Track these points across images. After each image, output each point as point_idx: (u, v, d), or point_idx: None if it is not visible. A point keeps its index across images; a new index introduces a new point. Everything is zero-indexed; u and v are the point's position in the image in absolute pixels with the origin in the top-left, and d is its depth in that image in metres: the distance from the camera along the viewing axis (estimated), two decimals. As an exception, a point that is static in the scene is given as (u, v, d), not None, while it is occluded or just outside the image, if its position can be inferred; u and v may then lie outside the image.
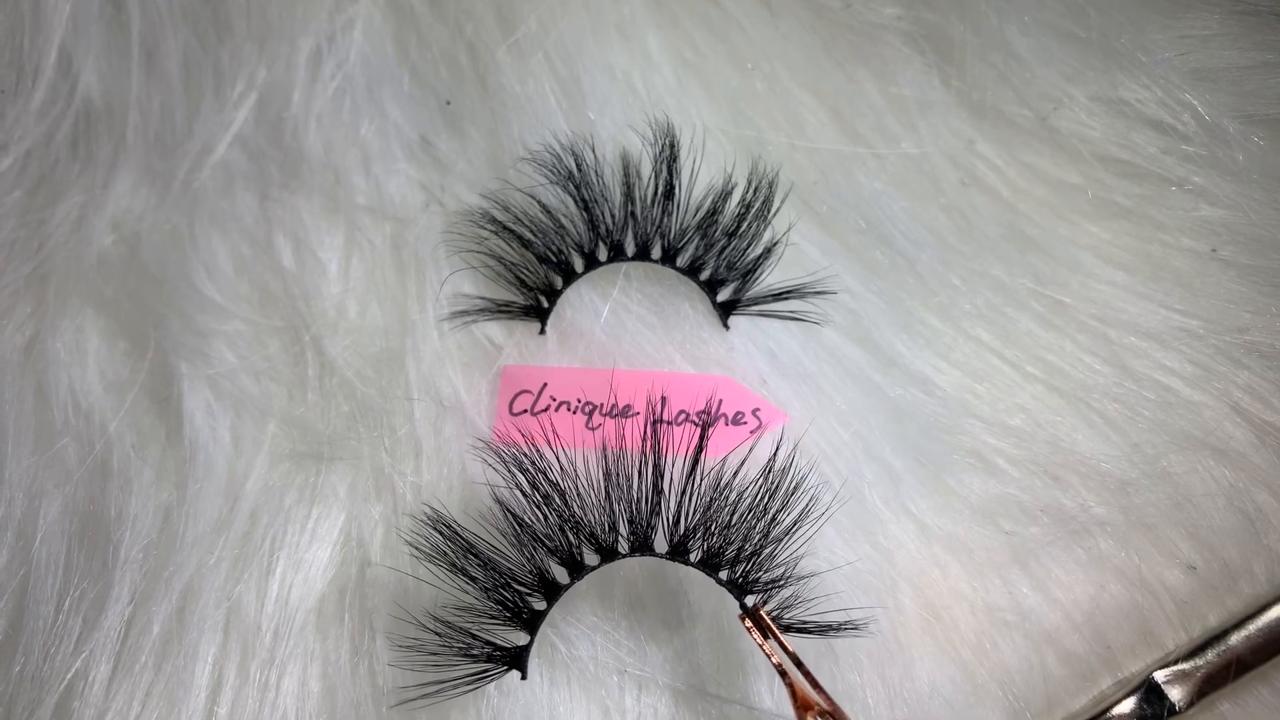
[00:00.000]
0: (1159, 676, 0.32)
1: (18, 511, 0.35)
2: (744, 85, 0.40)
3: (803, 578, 0.31)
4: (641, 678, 0.33)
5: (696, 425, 0.36)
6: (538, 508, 0.31)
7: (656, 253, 0.37)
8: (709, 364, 0.36)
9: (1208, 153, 0.37)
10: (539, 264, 0.37)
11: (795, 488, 0.31)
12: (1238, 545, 0.34)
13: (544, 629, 0.32)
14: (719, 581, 0.31)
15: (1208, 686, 0.31)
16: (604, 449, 0.32)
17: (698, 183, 0.38)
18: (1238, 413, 0.35)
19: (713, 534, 0.31)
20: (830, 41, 0.40)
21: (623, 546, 0.31)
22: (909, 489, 0.35)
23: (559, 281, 0.37)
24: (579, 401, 0.36)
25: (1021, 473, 0.35)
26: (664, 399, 0.36)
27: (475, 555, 0.31)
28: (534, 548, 0.31)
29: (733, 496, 0.31)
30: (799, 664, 0.29)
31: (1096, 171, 0.38)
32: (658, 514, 0.31)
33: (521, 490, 0.31)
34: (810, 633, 0.31)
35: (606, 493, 0.31)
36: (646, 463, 0.31)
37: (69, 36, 0.41)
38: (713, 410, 0.36)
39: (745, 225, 0.37)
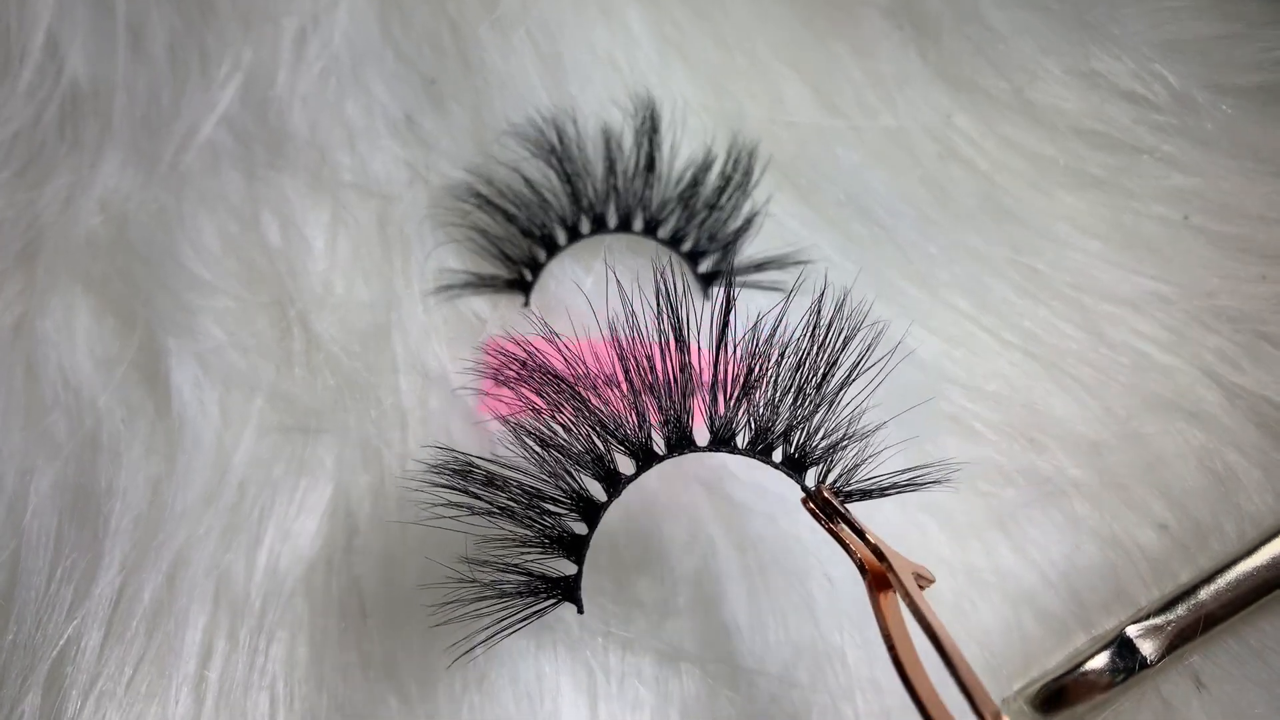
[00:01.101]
0: (1131, 631, 0.32)
1: (9, 485, 0.35)
2: (724, 60, 0.40)
3: (866, 434, 0.28)
4: (626, 639, 0.33)
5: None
6: (554, 417, 0.27)
7: (638, 225, 0.37)
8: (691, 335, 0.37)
9: (1178, 122, 0.38)
10: (522, 238, 0.38)
11: (846, 336, 0.27)
12: (1208, 504, 0.35)
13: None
14: (773, 465, 0.28)
15: (1178, 640, 0.32)
16: (614, 338, 0.28)
17: (679, 156, 0.38)
18: (1208, 376, 0.36)
19: (758, 408, 0.27)
20: (809, 16, 0.40)
21: (659, 445, 0.27)
22: (888, 453, 0.35)
23: (542, 255, 0.38)
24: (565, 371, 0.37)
25: (999, 436, 0.36)
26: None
27: (500, 484, 0.27)
28: (560, 467, 0.27)
29: (774, 359, 0.27)
30: (865, 539, 0.26)
31: (1071, 142, 0.39)
32: (691, 396, 0.27)
33: (534, 397, 0.27)
34: (886, 492, 0.28)
35: (630, 384, 0.27)
36: (667, 340, 0.26)
37: (55, 18, 0.41)
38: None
39: (725, 198, 0.37)
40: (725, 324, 0.27)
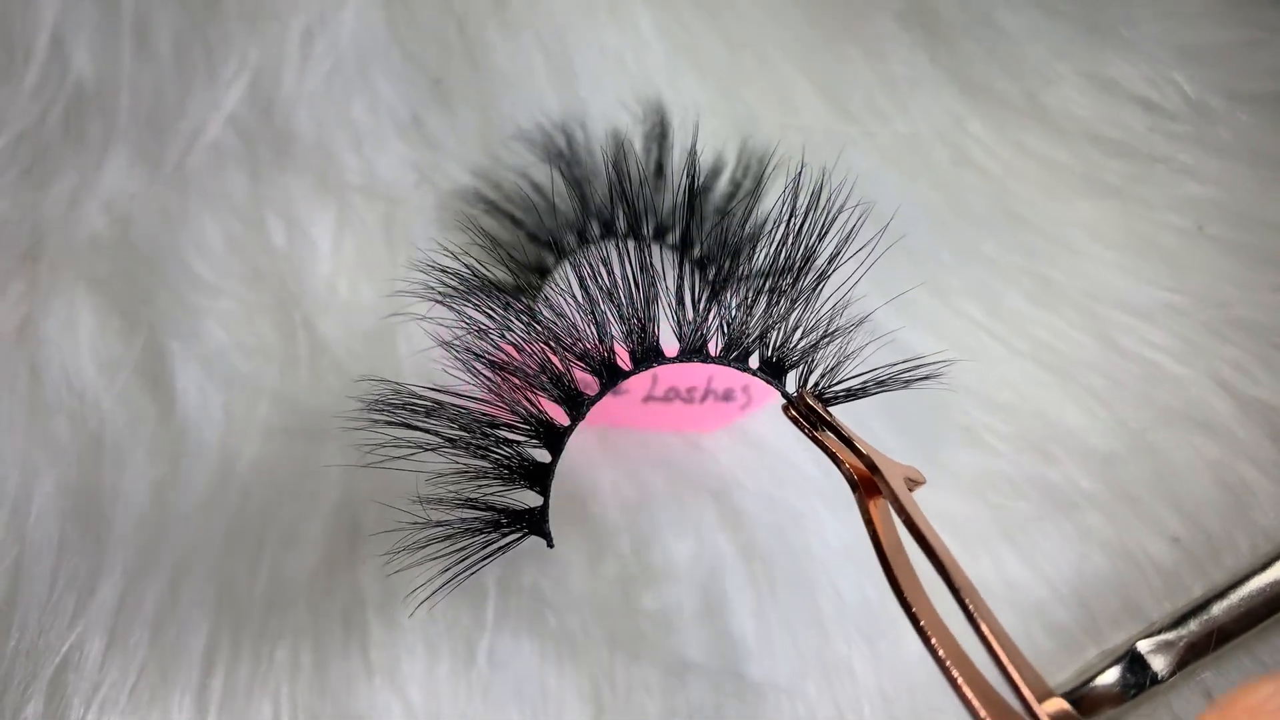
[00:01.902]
0: (1142, 646, 0.32)
1: (11, 489, 0.35)
2: (735, 63, 0.40)
3: (849, 329, 0.26)
4: (632, 650, 0.33)
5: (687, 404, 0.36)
6: (504, 335, 0.25)
7: (647, 231, 0.37)
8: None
9: (1194, 130, 0.38)
10: (530, 242, 0.37)
11: (827, 219, 0.25)
12: (1221, 518, 0.34)
13: (533, 603, 0.32)
14: (749, 370, 0.25)
15: (1190, 655, 0.32)
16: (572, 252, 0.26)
17: (688, 161, 0.38)
18: (1222, 387, 0.35)
19: (730, 310, 0.25)
20: (820, 19, 0.40)
21: (623, 360, 0.25)
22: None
23: (550, 260, 0.37)
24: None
25: (1009, 447, 0.35)
26: (655, 377, 0.37)
27: (449, 415, 0.25)
28: (514, 390, 0.25)
29: (745, 252, 0.25)
30: (852, 444, 0.24)
31: (1085, 149, 0.39)
32: (655, 301, 0.24)
33: (479, 317, 0.25)
34: (869, 392, 0.27)
35: (586, 294, 0.24)
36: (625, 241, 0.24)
37: (61, 17, 0.41)
38: (703, 388, 0.36)
39: (735, 203, 0.37)
40: (691, 204, 0.26)
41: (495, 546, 0.26)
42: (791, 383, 0.26)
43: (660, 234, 0.37)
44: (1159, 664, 0.32)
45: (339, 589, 0.34)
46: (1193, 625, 0.32)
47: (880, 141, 0.39)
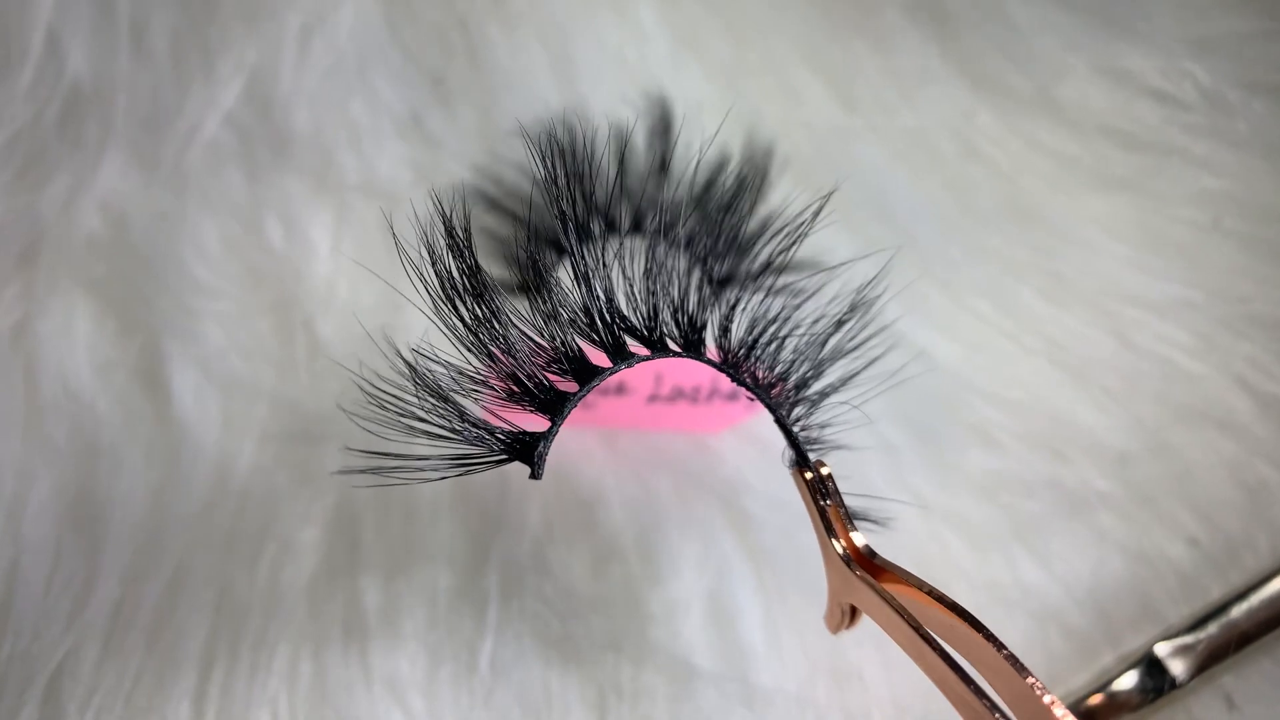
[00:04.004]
0: (1160, 650, 0.31)
1: (7, 492, 0.34)
2: (739, 58, 0.39)
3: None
4: (638, 656, 0.32)
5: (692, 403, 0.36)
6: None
7: (650, 228, 0.36)
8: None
9: (1209, 122, 0.37)
10: (530, 239, 0.37)
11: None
12: (1240, 518, 0.33)
13: (537, 607, 0.31)
14: (779, 422, 0.26)
15: (1209, 659, 0.31)
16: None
17: (692, 156, 0.37)
18: (1240, 384, 0.35)
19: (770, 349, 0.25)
20: (826, 12, 0.39)
21: (674, 343, 0.25)
22: (908, 464, 0.34)
23: (551, 257, 0.37)
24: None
25: (1022, 446, 0.35)
26: (659, 376, 0.36)
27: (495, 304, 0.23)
28: (569, 319, 0.24)
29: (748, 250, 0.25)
30: (855, 528, 0.25)
31: (1097, 143, 0.38)
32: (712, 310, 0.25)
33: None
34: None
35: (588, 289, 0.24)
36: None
37: (56, 16, 0.40)
38: (708, 387, 0.35)
39: (740, 199, 0.36)
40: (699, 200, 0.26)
41: (470, 464, 0.23)
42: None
43: (664, 230, 0.36)
44: (1177, 668, 0.31)
45: (339, 594, 0.34)
46: (1212, 628, 0.32)
47: (887, 136, 0.39)
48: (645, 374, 0.36)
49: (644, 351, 0.25)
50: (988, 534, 0.34)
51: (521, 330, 0.24)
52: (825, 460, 0.26)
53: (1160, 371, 0.35)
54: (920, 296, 0.37)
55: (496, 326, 0.24)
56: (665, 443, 0.36)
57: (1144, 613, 0.33)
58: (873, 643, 0.32)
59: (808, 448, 0.26)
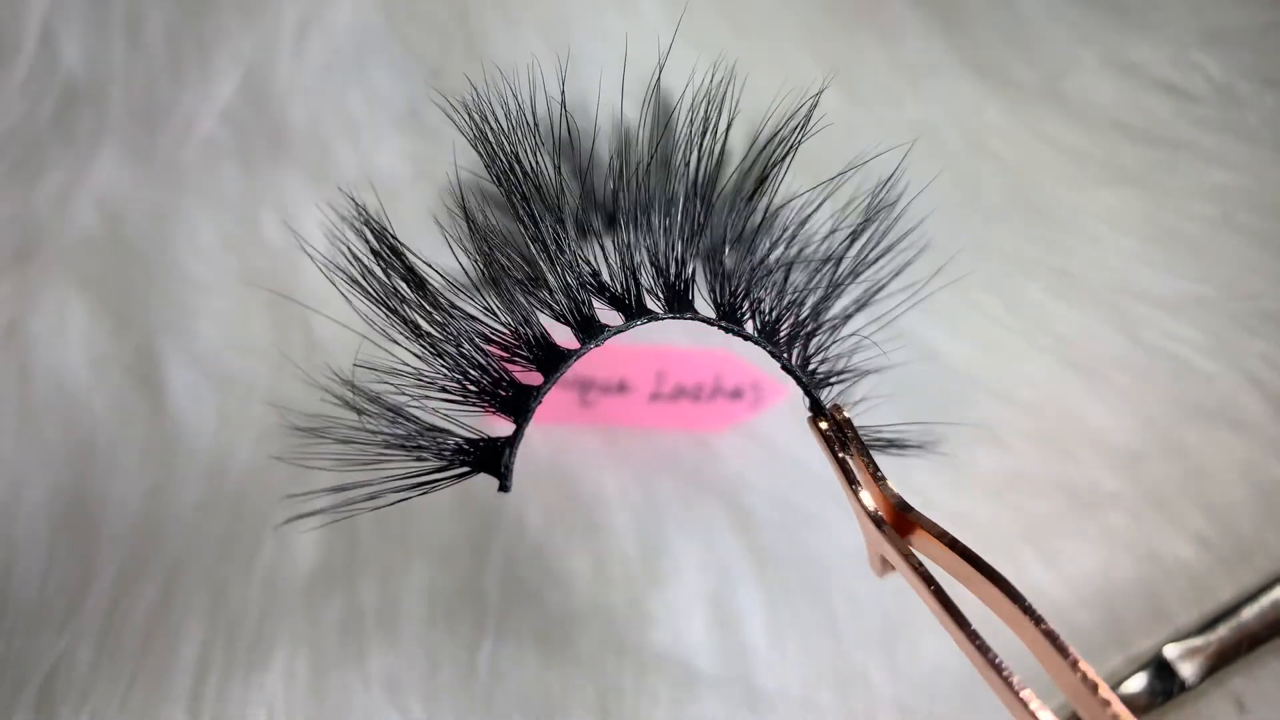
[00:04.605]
0: (1169, 652, 0.31)
1: (1, 492, 0.34)
2: (744, 49, 0.39)
3: (881, 368, 0.23)
4: (639, 659, 0.32)
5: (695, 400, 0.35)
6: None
7: (653, 222, 0.36)
8: (707, 338, 0.36)
9: (1220, 115, 0.36)
10: (531, 232, 0.36)
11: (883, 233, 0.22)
12: (1252, 518, 0.33)
13: (537, 610, 0.31)
14: (785, 365, 0.22)
15: (1219, 661, 0.30)
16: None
17: (695, 150, 0.36)
18: (1252, 382, 0.34)
19: (768, 295, 0.22)
20: (832, 3, 0.39)
21: (656, 304, 0.22)
22: (915, 463, 0.34)
23: (552, 249, 0.36)
24: (572, 376, 0.35)
25: (1031, 446, 0.34)
26: (661, 374, 0.36)
27: (431, 298, 0.20)
28: (521, 294, 0.20)
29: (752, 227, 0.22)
30: (882, 479, 0.22)
31: (1106, 136, 0.37)
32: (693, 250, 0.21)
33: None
34: (880, 446, 0.24)
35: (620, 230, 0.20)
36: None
37: (50, 9, 0.40)
38: (711, 386, 0.35)
39: (744, 192, 0.36)
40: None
41: (428, 479, 0.20)
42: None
43: (666, 224, 0.36)
44: (1187, 670, 0.31)
45: (336, 595, 0.33)
46: (1222, 630, 0.31)
47: (893, 129, 0.38)
48: (647, 371, 0.35)
49: (619, 320, 0.21)
50: (996, 534, 0.34)
51: (466, 315, 0.20)
52: (852, 399, 0.24)
53: (1171, 369, 0.35)
54: (927, 293, 0.36)
55: (435, 314, 0.20)
56: (667, 442, 0.35)
57: (1153, 614, 0.32)
58: (877, 644, 0.32)
59: (837, 379, 0.23)
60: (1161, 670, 0.31)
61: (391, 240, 0.22)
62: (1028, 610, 0.19)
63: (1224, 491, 0.33)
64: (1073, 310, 0.36)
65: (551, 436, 0.34)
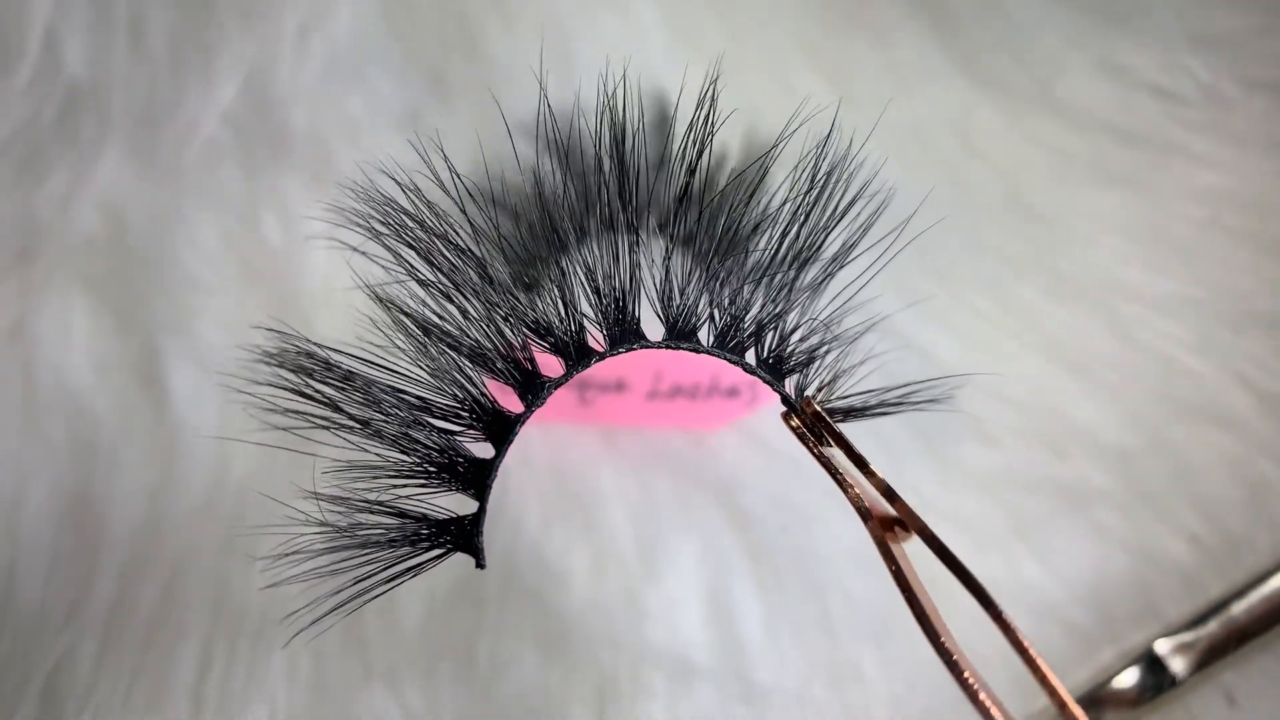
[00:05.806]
0: (1160, 647, 0.31)
1: (4, 491, 0.34)
2: (738, 52, 0.39)
3: (853, 336, 0.22)
4: (635, 654, 0.32)
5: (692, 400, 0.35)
6: (449, 297, 0.19)
7: (649, 225, 0.36)
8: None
9: (1209, 118, 0.37)
10: (529, 235, 0.37)
11: (838, 206, 0.20)
12: (1240, 515, 0.33)
13: (535, 605, 0.31)
14: (745, 367, 0.21)
15: (1209, 656, 0.31)
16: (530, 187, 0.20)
17: (690, 153, 0.37)
18: (1240, 381, 0.34)
19: (722, 294, 0.21)
20: (825, 6, 0.39)
21: (596, 339, 0.21)
22: (907, 460, 0.34)
23: (551, 252, 0.37)
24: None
25: (1021, 443, 0.35)
26: (658, 373, 0.36)
27: (363, 387, 0.19)
28: (455, 366, 0.19)
29: (742, 236, 0.21)
30: (864, 466, 0.21)
31: (1097, 138, 0.38)
32: (637, 278, 0.20)
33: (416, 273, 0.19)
34: (873, 411, 0.23)
35: (553, 240, 0.19)
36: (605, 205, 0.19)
37: (53, 14, 0.40)
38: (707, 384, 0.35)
39: (739, 195, 0.36)
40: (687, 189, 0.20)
41: (407, 565, 0.20)
42: (791, 386, 0.23)
43: (662, 227, 0.36)
44: (1177, 665, 0.31)
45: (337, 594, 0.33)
46: (1212, 625, 0.32)
47: (886, 131, 0.38)
48: (644, 370, 0.35)
49: (560, 372, 0.20)
50: (988, 531, 0.34)
51: (404, 402, 0.19)
52: (831, 384, 0.22)
53: (1160, 368, 0.35)
54: (917, 292, 0.37)
55: (373, 407, 0.19)
56: (664, 440, 0.36)
57: (1144, 609, 0.33)
58: (871, 639, 0.32)
59: (810, 360, 0.22)
60: (1152, 665, 0.31)
61: (321, 356, 0.21)
62: (997, 618, 0.19)
63: (1213, 488, 0.34)
64: (1063, 309, 0.36)
65: (550, 435, 0.35)
